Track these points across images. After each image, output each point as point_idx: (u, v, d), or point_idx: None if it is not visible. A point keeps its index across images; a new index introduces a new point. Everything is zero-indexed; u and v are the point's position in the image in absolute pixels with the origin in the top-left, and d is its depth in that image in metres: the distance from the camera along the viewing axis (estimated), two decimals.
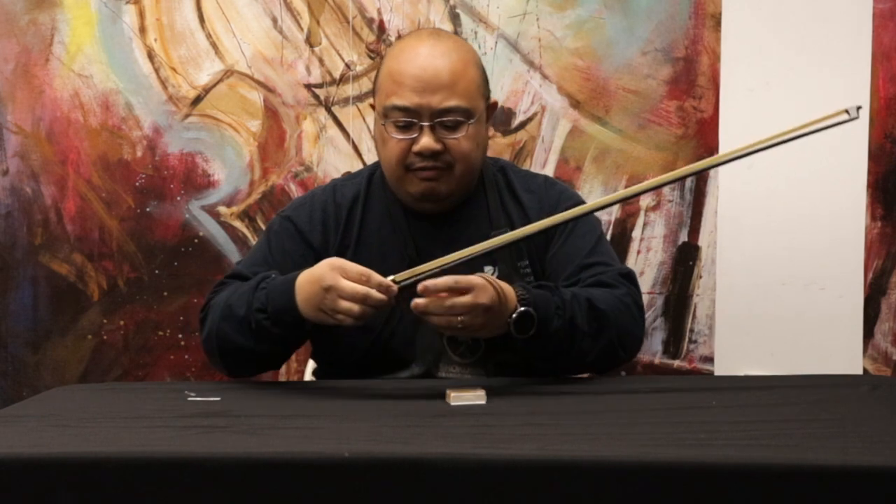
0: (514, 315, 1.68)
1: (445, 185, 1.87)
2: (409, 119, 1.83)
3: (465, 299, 1.63)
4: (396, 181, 1.88)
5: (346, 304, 1.62)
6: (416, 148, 1.84)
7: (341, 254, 1.90)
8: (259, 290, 1.76)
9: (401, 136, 1.84)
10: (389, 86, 1.85)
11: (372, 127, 2.79)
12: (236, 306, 1.78)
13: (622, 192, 1.77)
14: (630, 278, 1.90)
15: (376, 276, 1.62)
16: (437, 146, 1.83)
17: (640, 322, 1.86)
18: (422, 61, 1.83)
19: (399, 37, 2.72)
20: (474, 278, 1.64)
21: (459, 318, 1.64)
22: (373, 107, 1.94)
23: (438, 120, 1.82)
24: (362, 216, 1.94)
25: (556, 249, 1.92)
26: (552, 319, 1.71)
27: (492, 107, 1.95)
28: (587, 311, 1.75)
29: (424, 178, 1.85)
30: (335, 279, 1.63)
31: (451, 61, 1.84)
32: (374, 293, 1.61)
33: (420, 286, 1.62)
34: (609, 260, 1.93)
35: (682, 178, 2.37)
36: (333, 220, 1.93)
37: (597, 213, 2.05)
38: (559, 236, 1.93)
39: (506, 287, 1.70)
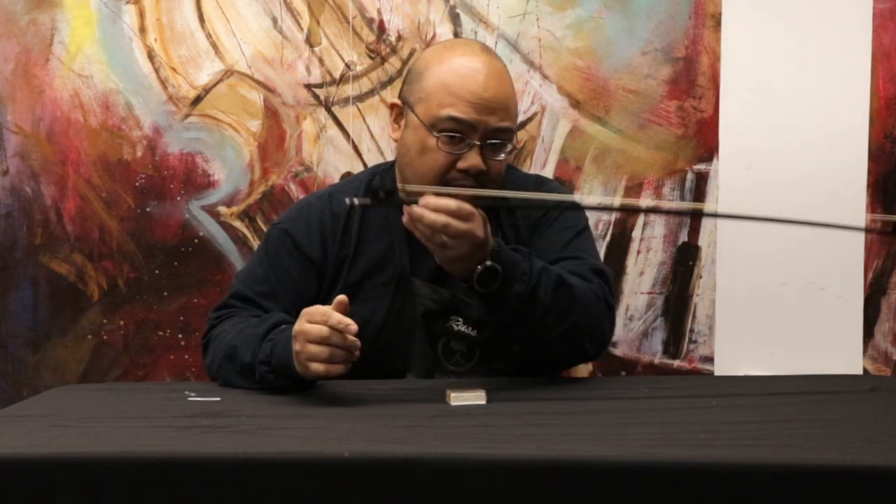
0: (480, 267, 1.65)
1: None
2: (460, 133, 1.82)
3: (462, 225, 1.59)
4: None
5: (313, 349, 1.58)
6: (462, 165, 1.82)
7: (340, 264, 1.89)
8: (266, 341, 1.73)
9: (449, 150, 1.82)
10: (444, 96, 1.82)
11: (373, 127, 2.79)
12: (241, 352, 1.75)
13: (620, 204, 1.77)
14: (602, 276, 1.87)
15: (335, 315, 1.57)
16: (485, 167, 1.83)
17: (609, 318, 1.83)
18: (483, 79, 1.82)
19: (400, 37, 2.73)
20: (478, 211, 1.62)
21: (446, 239, 1.61)
22: (394, 106, 1.92)
23: (490, 140, 1.82)
24: (360, 224, 1.92)
25: (536, 240, 1.91)
26: (515, 282, 1.67)
27: None
28: (554, 287, 1.72)
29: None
30: (300, 324, 1.60)
31: (505, 83, 1.86)
32: (335, 332, 1.56)
33: (422, 200, 1.59)
34: (584, 255, 1.91)
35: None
36: (331, 230, 1.91)
37: (599, 215, 2.05)
38: (543, 226, 1.92)
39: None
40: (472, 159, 1.81)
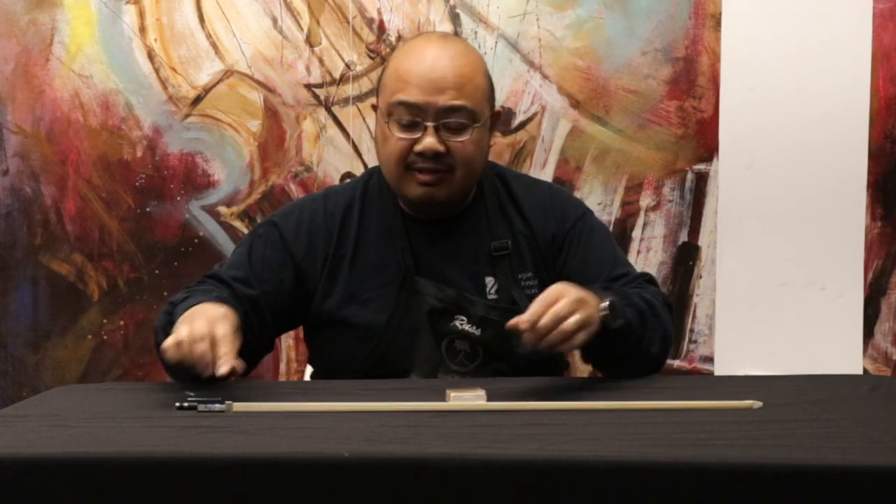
0: (603, 304, 1.64)
1: (445, 190, 1.84)
2: (413, 118, 1.81)
3: (561, 304, 1.57)
4: (396, 181, 1.86)
5: (185, 329, 1.53)
6: (418, 148, 1.81)
7: (336, 264, 1.89)
8: (199, 294, 1.73)
9: (403, 135, 1.82)
10: (395, 83, 1.83)
11: (372, 127, 2.79)
12: (161, 315, 1.75)
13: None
14: (654, 282, 1.92)
15: (223, 348, 1.52)
16: (440, 147, 1.80)
17: (672, 320, 1.87)
18: (430, 61, 1.82)
19: (400, 37, 2.73)
20: (551, 290, 1.60)
21: (575, 320, 1.58)
22: (374, 107, 1.93)
23: (443, 121, 1.80)
24: (359, 224, 1.91)
25: (577, 260, 1.91)
26: (626, 309, 1.70)
27: (496, 115, 1.92)
28: (642, 303, 1.76)
29: (423, 182, 1.82)
30: (208, 313, 1.56)
31: (459, 64, 1.83)
32: (202, 345, 1.52)
33: (521, 323, 1.55)
34: (630, 268, 1.95)
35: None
36: (323, 229, 1.91)
37: (599, 215, 2.06)
38: (575, 246, 1.91)
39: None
40: (426, 141, 1.80)
